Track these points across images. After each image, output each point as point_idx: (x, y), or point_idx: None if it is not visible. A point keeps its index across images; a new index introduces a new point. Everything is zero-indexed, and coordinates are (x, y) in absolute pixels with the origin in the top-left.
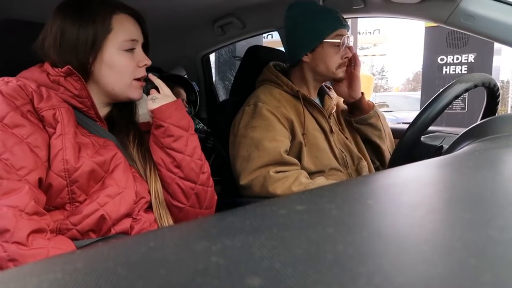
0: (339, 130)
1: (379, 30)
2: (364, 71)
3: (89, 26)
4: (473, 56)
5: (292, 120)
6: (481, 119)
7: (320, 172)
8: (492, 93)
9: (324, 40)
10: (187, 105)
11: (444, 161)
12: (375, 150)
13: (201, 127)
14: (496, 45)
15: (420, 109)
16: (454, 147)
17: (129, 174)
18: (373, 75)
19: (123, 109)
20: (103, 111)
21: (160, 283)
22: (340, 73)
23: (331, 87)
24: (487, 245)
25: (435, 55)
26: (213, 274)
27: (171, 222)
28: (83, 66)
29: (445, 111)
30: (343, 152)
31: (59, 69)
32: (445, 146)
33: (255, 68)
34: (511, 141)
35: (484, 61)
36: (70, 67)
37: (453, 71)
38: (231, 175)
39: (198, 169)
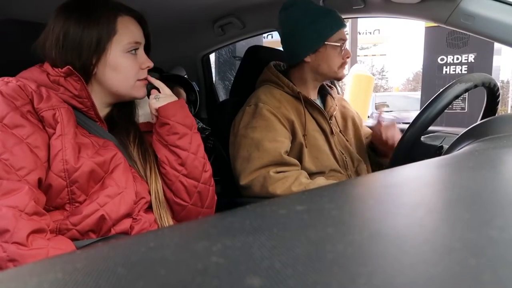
0: (340, 131)
1: (379, 30)
2: (364, 71)
3: (94, 28)
4: (473, 56)
5: (292, 120)
6: (481, 119)
7: (320, 173)
8: (492, 93)
9: (326, 42)
10: (187, 105)
11: (444, 161)
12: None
13: (200, 126)
14: (496, 45)
15: (420, 109)
16: (454, 147)
17: (129, 174)
18: (373, 75)
19: (123, 110)
20: (103, 111)
21: (160, 283)
22: (341, 73)
23: (333, 86)
24: (487, 245)
25: (435, 55)
26: (213, 274)
27: (171, 222)
28: (86, 67)
29: (445, 111)
30: (343, 154)
31: (59, 69)
32: (445, 146)
33: (255, 68)
34: (511, 141)
35: (484, 61)
36: (71, 67)
37: (453, 71)
38: (231, 175)
39: (201, 167)
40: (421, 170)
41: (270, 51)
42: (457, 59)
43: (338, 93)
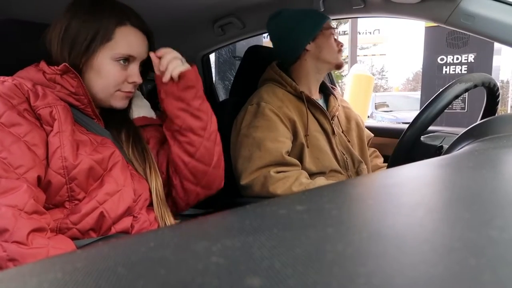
0: (342, 132)
1: (379, 30)
2: (364, 71)
3: (91, 29)
4: (473, 56)
5: (294, 120)
6: (481, 119)
7: (320, 173)
8: (492, 93)
9: (323, 28)
10: None
11: (444, 161)
12: None
13: None
14: (496, 45)
15: (420, 109)
16: (454, 147)
17: (127, 172)
18: (373, 75)
19: (118, 110)
20: (97, 108)
21: (160, 283)
22: (340, 59)
23: (335, 87)
24: (487, 245)
25: (435, 55)
26: (213, 274)
27: (172, 220)
28: (75, 65)
29: (445, 111)
30: (344, 154)
31: (55, 67)
32: (445, 146)
33: (255, 68)
34: (511, 141)
35: (484, 61)
36: (67, 64)
37: (453, 71)
38: (231, 175)
39: (216, 131)
40: (421, 170)
41: (270, 51)
42: (457, 59)
43: (339, 94)
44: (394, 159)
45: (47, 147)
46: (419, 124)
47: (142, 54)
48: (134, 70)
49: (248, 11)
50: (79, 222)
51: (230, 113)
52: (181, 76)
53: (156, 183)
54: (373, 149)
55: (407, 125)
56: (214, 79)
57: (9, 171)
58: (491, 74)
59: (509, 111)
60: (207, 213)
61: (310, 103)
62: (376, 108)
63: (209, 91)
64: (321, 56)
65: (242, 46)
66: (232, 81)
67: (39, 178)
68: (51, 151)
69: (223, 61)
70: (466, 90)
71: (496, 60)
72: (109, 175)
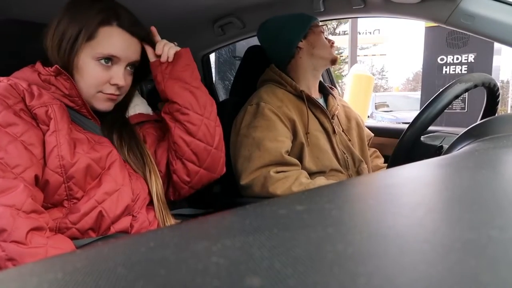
0: (343, 131)
1: (379, 30)
2: (364, 71)
3: (75, 28)
4: (473, 56)
5: (294, 120)
6: (481, 119)
7: (321, 173)
8: (492, 93)
9: (312, 26)
10: None
11: (444, 161)
12: None
13: None
14: (496, 45)
15: (420, 109)
16: (454, 147)
17: (125, 171)
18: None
19: (115, 111)
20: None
21: (160, 283)
22: (334, 54)
23: (333, 87)
24: (487, 245)
25: (435, 55)
26: (213, 274)
27: (172, 222)
28: (65, 66)
29: (445, 111)
30: (344, 154)
31: (49, 68)
32: (445, 146)
33: (255, 68)
34: (511, 141)
35: (484, 61)
36: (58, 66)
37: (453, 71)
38: (231, 175)
39: (215, 109)
40: (421, 170)
41: None
42: (457, 59)
43: (338, 94)
44: (394, 159)
45: (44, 146)
46: (419, 124)
47: (129, 56)
48: (117, 72)
49: (248, 11)
50: (78, 221)
51: (230, 113)
52: (177, 56)
53: (157, 186)
54: (373, 149)
55: (407, 125)
56: (214, 79)
57: (6, 171)
58: (491, 74)
59: (509, 111)
60: (207, 213)
61: (311, 102)
62: (376, 108)
63: (209, 91)
64: (315, 52)
65: (242, 46)
66: (232, 81)
67: (36, 177)
68: (48, 150)
69: (223, 61)
70: (466, 90)
71: (496, 60)
72: (108, 174)
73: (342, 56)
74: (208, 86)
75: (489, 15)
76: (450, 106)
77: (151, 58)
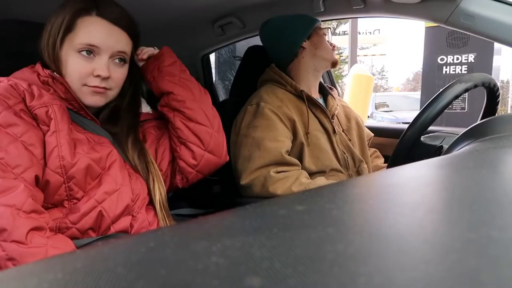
0: (343, 131)
1: (379, 30)
2: (364, 71)
3: (57, 22)
4: (473, 56)
5: (294, 120)
6: (481, 119)
7: (321, 173)
8: (492, 93)
9: (316, 28)
10: None
11: (444, 161)
12: None
13: None
14: (496, 45)
15: (420, 109)
16: (454, 147)
17: (125, 171)
18: (373, 75)
19: (114, 114)
20: (93, 108)
21: (160, 283)
22: (335, 56)
23: (333, 88)
24: (487, 245)
25: (435, 55)
26: (213, 274)
27: (172, 223)
28: (55, 66)
29: (445, 111)
30: (345, 153)
31: (46, 71)
32: (445, 146)
33: (255, 68)
34: (511, 141)
35: (484, 61)
36: (50, 72)
37: (453, 71)
38: (231, 175)
39: (208, 96)
40: (421, 170)
41: None
42: (457, 59)
43: (338, 94)
44: (394, 159)
45: (44, 146)
46: (419, 124)
47: (111, 45)
48: (99, 63)
49: (248, 11)
50: (78, 221)
51: (230, 113)
52: (160, 54)
53: (160, 195)
54: (373, 149)
55: (407, 125)
56: (214, 79)
57: (6, 171)
58: (491, 74)
59: (509, 111)
60: (207, 213)
61: (311, 102)
62: (376, 108)
63: (209, 91)
64: (318, 53)
65: (242, 46)
66: (232, 81)
67: (36, 177)
68: (48, 151)
69: (223, 61)
70: (466, 90)
71: (496, 60)
72: (108, 174)
73: (342, 56)
74: (208, 86)
75: (489, 15)
76: (450, 106)
77: (139, 61)
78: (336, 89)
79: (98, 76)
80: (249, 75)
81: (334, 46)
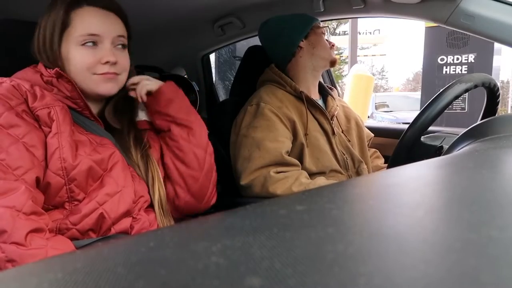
0: (342, 132)
1: (379, 30)
2: (364, 71)
3: (49, 23)
4: (473, 56)
5: (294, 120)
6: (481, 119)
7: (321, 173)
8: (492, 93)
9: (314, 27)
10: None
11: (444, 161)
12: None
13: None
14: (496, 45)
15: (420, 109)
16: (454, 147)
17: (127, 173)
18: (373, 75)
19: (117, 107)
20: (96, 108)
21: (160, 283)
22: (334, 55)
23: (333, 88)
24: (487, 245)
25: (435, 55)
26: (213, 274)
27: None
28: (54, 63)
29: (445, 111)
30: (344, 154)
31: (51, 70)
32: (445, 146)
33: (255, 68)
34: (511, 141)
35: (484, 61)
36: (58, 70)
37: (453, 71)
38: (231, 175)
39: (206, 139)
40: (421, 170)
41: None
42: (457, 59)
43: (338, 95)
44: (394, 159)
45: (45, 148)
46: (419, 125)
47: (110, 31)
48: (105, 50)
49: (248, 11)
50: (79, 222)
51: (230, 113)
52: (157, 92)
53: (159, 194)
54: (373, 149)
55: (407, 125)
56: (214, 79)
57: (7, 173)
58: (491, 74)
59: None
60: (207, 213)
61: (310, 103)
62: (376, 108)
63: (209, 91)
64: (315, 52)
65: (242, 46)
66: (232, 81)
67: (37, 179)
68: (50, 152)
69: (223, 61)
70: (466, 91)
71: (496, 60)
72: (109, 176)
73: (342, 56)
74: (208, 86)
75: (489, 15)
76: (450, 107)
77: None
78: (336, 89)
79: (106, 62)
80: (249, 75)
81: (332, 45)
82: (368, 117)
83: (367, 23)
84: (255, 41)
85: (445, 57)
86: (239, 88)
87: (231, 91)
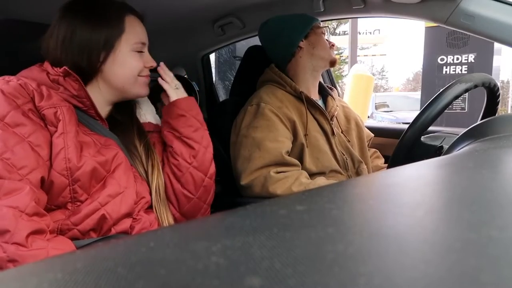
0: (342, 132)
1: (379, 30)
2: (364, 71)
3: (104, 27)
4: (473, 56)
5: (294, 120)
6: (481, 119)
7: (321, 174)
8: (492, 93)
9: (313, 27)
10: None
11: (444, 161)
12: None
13: None
14: (496, 45)
15: (420, 109)
16: (454, 147)
17: (130, 174)
18: (373, 75)
19: (124, 109)
20: (105, 109)
21: (160, 283)
22: (334, 55)
23: (333, 88)
24: (487, 245)
25: (435, 55)
26: (213, 274)
27: (171, 219)
28: (93, 65)
29: (445, 111)
30: (344, 155)
31: (58, 68)
32: (445, 146)
33: (255, 68)
34: (511, 141)
35: (484, 61)
36: (67, 68)
37: (453, 71)
38: (231, 175)
39: (209, 162)
40: (421, 170)
41: None
42: (457, 59)
43: (338, 95)
44: (394, 159)
45: (50, 148)
46: (419, 125)
47: (147, 39)
48: (148, 56)
49: (248, 11)
50: (80, 223)
51: (230, 113)
52: (172, 104)
53: (158, 182)
54: (373, 149)
55: (407, 125)
56: (214, 79)
57: (12, 172)
58: (491, 74)
59: (509, 111)
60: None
61: (310, 104)
62: (376, 108)
63: (209, 91)
64: (315, 52)
65: (242, 46)
66: (232, 81)
67: (42, 179)
68: (55, 152)
69: (223, 61)
70: (466, 91)
71: (496, 60)
72: (112, 177)
73: (342, 56)
74: (208, 86)
75: (489, 15)
76: (450, 106)
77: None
78: (336, 89)
79: (150, 67)
80: (249, 75)
81: (332, 45)
82: (368, 117)
83: (367, 23)
84: (255, 41)
85: (445, 57)
86: (239, 88)
87: (231, 91)
